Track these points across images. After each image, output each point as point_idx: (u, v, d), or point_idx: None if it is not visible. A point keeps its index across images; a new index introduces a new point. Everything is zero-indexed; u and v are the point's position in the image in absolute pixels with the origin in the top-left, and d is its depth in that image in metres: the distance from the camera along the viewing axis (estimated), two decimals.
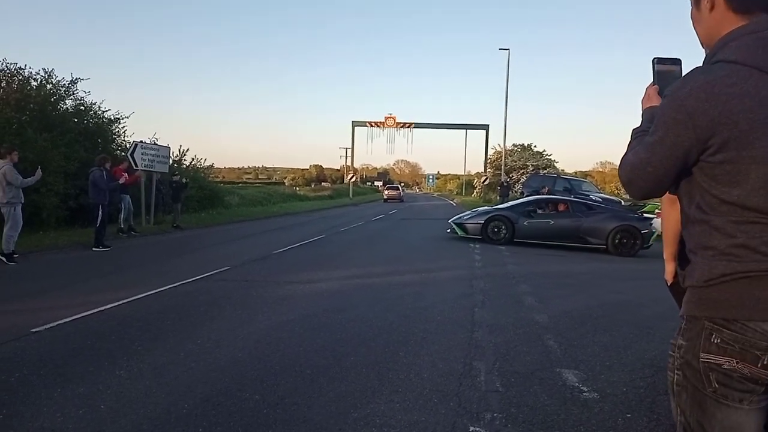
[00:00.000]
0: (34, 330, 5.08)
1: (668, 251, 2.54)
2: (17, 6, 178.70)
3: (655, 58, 1.84)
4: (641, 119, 1.77)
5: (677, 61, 1.83)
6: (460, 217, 15.55)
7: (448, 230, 15.54)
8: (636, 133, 1.71)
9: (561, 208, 15.01)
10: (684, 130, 1.47)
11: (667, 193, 2.31)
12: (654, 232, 13.59)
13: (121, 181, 12.55)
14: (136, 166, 14.94)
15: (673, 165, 1.51)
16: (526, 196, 28.83)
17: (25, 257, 9.50)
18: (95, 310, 5.89)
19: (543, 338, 5.34)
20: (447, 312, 6.35)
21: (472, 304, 6.83)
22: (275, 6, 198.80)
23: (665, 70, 1.83)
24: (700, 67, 1.61)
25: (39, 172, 9.81)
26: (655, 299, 7.83)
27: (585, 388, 4.03)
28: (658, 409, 3.73)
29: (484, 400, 3.73)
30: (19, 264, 9.02)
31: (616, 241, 13.48)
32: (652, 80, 1.85)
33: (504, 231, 14.28)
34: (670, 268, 2.56)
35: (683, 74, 1.81)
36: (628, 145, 1.70)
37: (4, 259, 9.05)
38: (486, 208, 17.63)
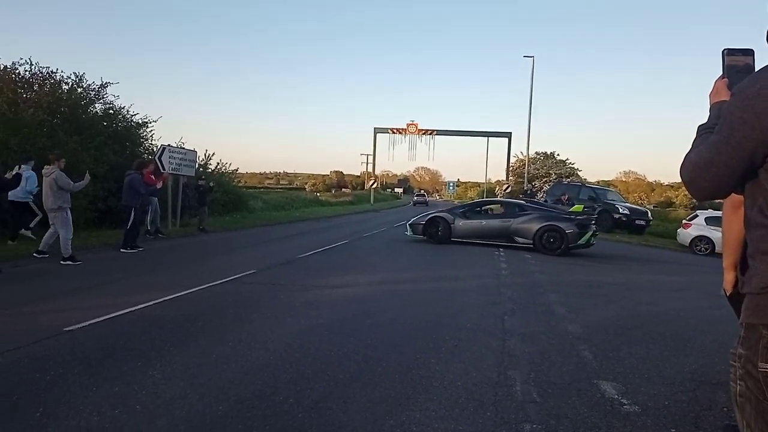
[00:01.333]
0: (66, 329, 5.12)
1: (728, 260, 2.45)
2: (49, 13, 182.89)
3: (725, 49, 1.73)
4: (708, 114, 1.69)
5: (749, 52, 1.72)
6: (414, 219, 16.46)
7: (406, 232, 16.43)
8: (701, 130, 1.64)
9: (496, 210, 16.24)
10: (750, 131, 1.40)
11: (730, 199, 2.23)
12: (589, 232, 14.09)
13: (159, 186, 12.76)
14: (164, 169, 15.09)
15: (738, 166, 1.44)
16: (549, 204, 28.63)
17: (54, 258, 9.62)
18: (126, 311, 5.92)
19: (577, 349, 5.22)
20: (477, 320, 6.26)
21: (502, 312, 6.73)
22: (299, 16, 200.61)
23: (736, 61, 1.72)
24: None
25: (88, 176, 10.11)
26: (688, 311, 7.66)
27: (625, 401, 3.91)
28: (703, 424, 3.61)
29: (521, 410, 3.64)
30: (61, 264, 9.17)
31: (543, 240, 14.18)
32: (721, 73, 1.76)
33: (440, 231, 15.42)
34: (729, 278, 2.47)
35: (755, 67, 1.72)
36: (693, 142, 1.63)
37: (70, 262, 9.27)
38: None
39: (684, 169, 1.56)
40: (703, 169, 1.48)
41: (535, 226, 14.37)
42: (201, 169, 20.50)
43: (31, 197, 11.20)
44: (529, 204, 17.11)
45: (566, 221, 14.38)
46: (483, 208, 16.73)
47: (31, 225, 11.69)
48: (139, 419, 3.25)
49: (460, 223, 15.39)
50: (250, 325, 5.59)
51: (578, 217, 14.56)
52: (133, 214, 11.35)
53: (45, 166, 9.59)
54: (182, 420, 3.25)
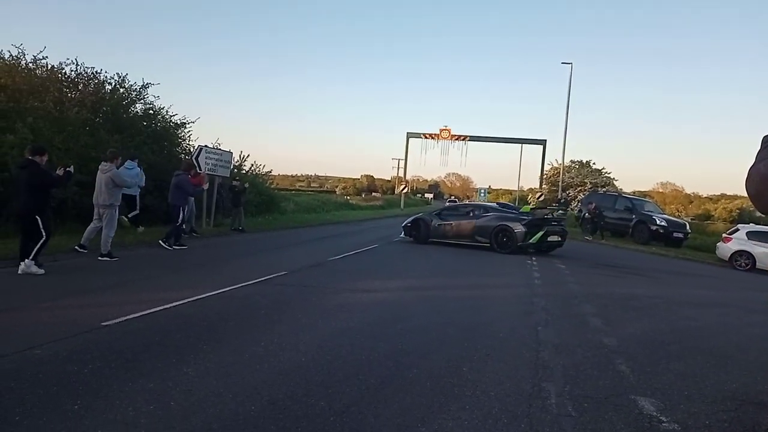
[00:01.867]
0: (104, 323, 5.22)
1: None
2: (98, 13, 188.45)
3: None
4: None
5: None
6: (404, 221, 17.78)
7: (400, 234, 17.72)
8: (767, 142, 1.57)
9: (466, 211, 17.20)
10: None
11: None
12: (540, 232, 14.81)
13: (205, 186, 13.40)
14: (200, 169, 15.34)
15: None
16: (584, 214, 28.17)
17: (93, 253, 9.85)
18: (161, 308, 6.01)
19: (614, 362, 5.10)
20: (509, 329, 6.17)
21: (535, 322, 6.62)
22: (336, 19, 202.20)
23: None
24: None
25: (142, 173, 10.37)
26: (728, 327, 7.43)
27: (664, 418, 3.79)
28: None
29: (556, 423, 3.56)
30: (98, 260, 9.41)
31: (497, 239, 15.14)
32: None
33: (421, 231, 16.64)
34: None
35: None
36: (758, 154, 1.56)
37: (107, 258, 9.49)
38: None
39: (751, 181, 1.49)
40: None
41: (491, 226, 15.38)
42: (236, 170, 20.78)
43: (139, 190, 12.66)
44: (493, 206, 18.50)
45: (516, 221, 15.27)
46: (456, 210, 17.93)
47: (129, 216, 12.81)
48: (173, 416, 3.28)
49: (436, 224, 16.51)
50: (281, 326, 5.61)
51: (530, 218, 15.34)
52: (181, 212, 11.88)
53: (102, 163, 9.72)
54: (215, 418, 3.27)
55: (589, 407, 3.90)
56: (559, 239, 15.68)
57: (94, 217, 9.90)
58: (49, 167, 8.32)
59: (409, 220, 17.46)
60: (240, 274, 8.60)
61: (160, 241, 11.59)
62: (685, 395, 4.34)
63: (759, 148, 1.58)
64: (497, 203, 25.23)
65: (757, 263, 17.10)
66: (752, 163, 1.53)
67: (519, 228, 14.85)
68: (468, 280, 9.90)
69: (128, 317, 5.51)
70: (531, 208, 17.08)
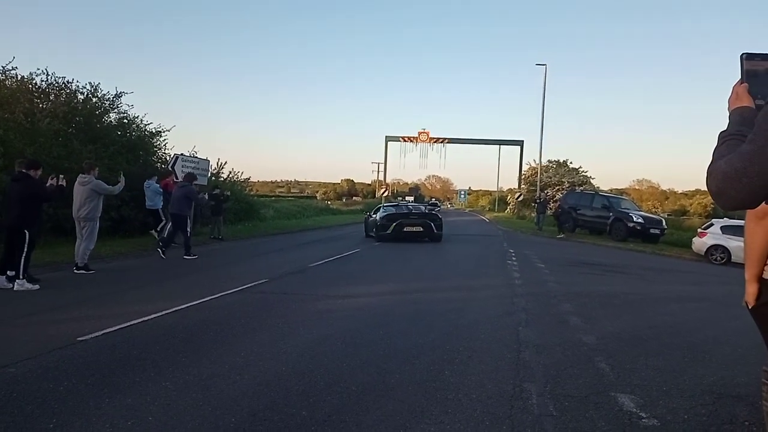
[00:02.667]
0: (80, 339, 5.13)
1: (750, 272, 2.39)
2: (63, 24, 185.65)
3: (743, 53, 1.72)
4: (729, 121, 1.66)
5: None
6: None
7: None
8: (723, 138, 1.60)
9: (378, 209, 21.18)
10: None
11: (754, 210, 2.18)
12: (393, 224, 18.85)
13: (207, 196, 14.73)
14: (177, 178, 15.19)
15: None
16: (561, 212, 28.48)
17: (69, 267, 9.68)
18: (139, 320, 5.93)
19: (593, 360, 5.14)
20: (491, 331, 6.19)
21: (516, 322, 6.65)
22: (309, 20, 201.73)
23: (755, 66, 1.71)
24: None
25: (123, 179, 10.52)
26: (706, 322, 7.54)
27: (644, 414, 3.83)
28: None
29: (538, 424, 3.57)
30: (74, 273, 9.25)
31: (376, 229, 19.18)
32: (740, 78, 1.73)
33: (369, 227, 20.39)
34: (751, 290, 2.41)
35: None
36: (715, 150, 1.59)
37: (83, 271, 9.38)
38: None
39: (712, 179, 1.51)
40: (735, 180, 1.44)
41: (376, 219, 19.59)
42: (213, 177, 20.62)
43: (161, 204, 14.17)
44: (396, 203, 25.07)
45: (379, 214, 20.05)
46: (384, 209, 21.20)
47: (158, 228, 14.26)
48: (152, 431, 3.23)
49: (372, 219, 20.41)
50: (261, 335, 5.57)
51: (392, 212, 20.01)
52: (189, 222, 12.43)
53: (80, 175, 9.58)
54: None
55: (570, 406, 3.92)
56: (421, 229, 19.26)
57: (78, 235, 9.67)
58: (39, 179, 8.23)
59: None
60: (219, 283, 8.52)
61: (185, 257, 11.89)
62: (664, 390, 4.39)
63: (716, 144, 1.61)
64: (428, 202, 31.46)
65: (732, 257, 17.40)
66: (711, 161, 1.55)
67: (381, 221, 19.05)
68: (449, 283, 9.92)
69: (105, 331, 5.43)
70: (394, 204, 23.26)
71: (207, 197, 15.10)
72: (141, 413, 3.47)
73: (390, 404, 3.81)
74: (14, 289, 7.51)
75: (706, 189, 1.54)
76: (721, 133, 1.64)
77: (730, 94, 1.72)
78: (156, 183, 14.32)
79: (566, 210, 25.56)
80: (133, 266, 10.67)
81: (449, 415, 3.65)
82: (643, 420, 3.74)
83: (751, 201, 1.46)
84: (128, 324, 5.75)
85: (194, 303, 6.95)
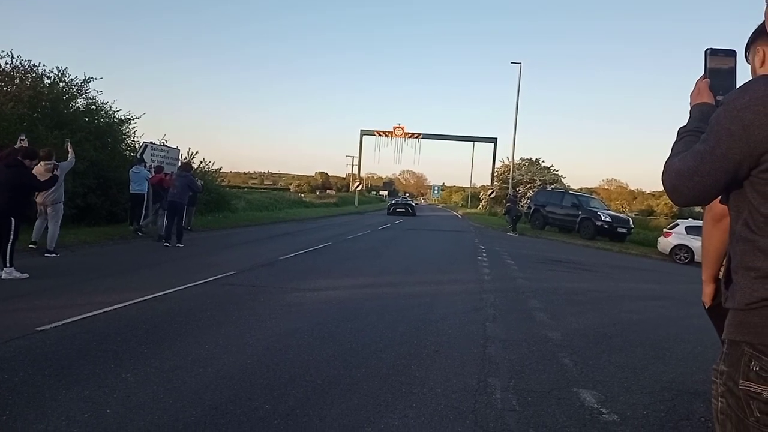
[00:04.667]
0: (39, 329, 4.99)
1: (707, 273, 2.43)
2: (33, 5, 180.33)
3: (707, 49, 1.72)
4: (689, 116, 1.67)
5: (732, 53, 1.70)
6: None
7: None
8: (682, 134, 1.62)
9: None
10: (737, 142, 1.38)
11: (711, 212, 2.21)
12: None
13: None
14: (145, 166, 14.90)
15: (722, 177, 1.42)
16: (533, 210, 28.81)
17: (31, 254, 9.43)
18: (101, 311, 5.79)
19: (558, 356, 5.21)
20: (458, 325, 6.23)
21: (484, 318, 6.71)
22: (284, 12, 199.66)
23: (718, 63, 1.70)
24: (764, 76, 1.52)
25: (71, 152, 10.47)
26: (668, 320, 7.72)
27: (604, 410, 3.90)
28: None
29: (501, 419, 3.60)
30: (36, 259, 9.02)
31: None
32: (703, 73, 1.74)
33: (391, 209, 32.74)
34: (707, 291, 2.45)
35: (737, 69, 1.70)
36: (673, 145, 1.61)
37: (54, 255, 9.73)
38: None
39: (666, 175, 1.53)
40: (687, 178, 1.46)
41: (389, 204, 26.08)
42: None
43: (147, 188, 14.10)
44: (396, 199, 36.09)
45: (390, 203, 30.33)
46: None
47: (140, 223, 14.05)
48: (109, 424, 3.15)
49: (388, 204, 30.37)
50: (227, 328, 5.49)
51: (395, 202, 30.00)
52: (185, 212, 12.99)
53: (42, 162, 9.43)
54: (153, 425, 3.16)
55: (533, 401, 3.96)
56: (405, 210, 38.37)
57: (39, 214, 9.95)
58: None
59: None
60: (186, 274, 8.39)
61: (178, 245, 12.12)
62: (624, 387, 4.48)
63: (675, 139, 1.63)
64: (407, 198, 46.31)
65: (695, 257, 17.84)
66: (668, 156, 1.57)
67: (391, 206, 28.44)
68: (419, 278, 9.95)
69: (65, 321, 5.29)
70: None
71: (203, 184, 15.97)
72: (99, 405, 3.39)
73: (355, 398, 3.80)
74: (2, 277, 7.37)
75: None
76: (680, 128, 1.65)
77: (692, 89, 1.73)
78: (146, 170, 14.37)
79: (512, 209, 26.05)
80: (98, 255, 10.43)
81: (414, 410, 3.66)
82: (604, 415, 3.81)
83: (703, 198, 1.48)
84: (90, 314, 5.61)
85: (159, 294, 6.82)
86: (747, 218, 1.43)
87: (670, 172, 1.52)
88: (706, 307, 2.56)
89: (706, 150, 1.43)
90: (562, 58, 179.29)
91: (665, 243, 19.57)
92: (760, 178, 1.39)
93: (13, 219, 7.63)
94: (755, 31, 1.64)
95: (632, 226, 25.66)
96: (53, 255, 9.66)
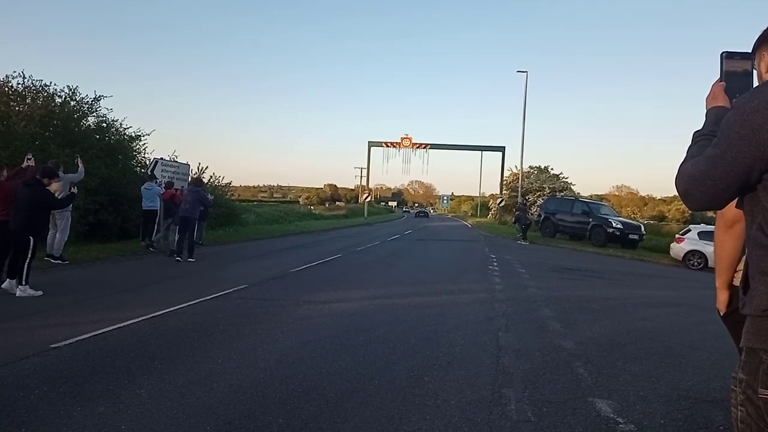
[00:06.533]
0: (53, 345, 5.02)
1: (721, 279, 2.41)
2: (43, 23, 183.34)
3: (723, 52, 1.70)
4: (705, 119, 1.66)
5: (748, 56, 1.68)
6: None
7: None
8: (697, 137, 1.61)
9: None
10: (747, 146, 1.37)
11: (723, 218, 2.19)
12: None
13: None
14: (157, 182, 15.01)
15: (734, 181, 1.41)
16: (543, 218, 28.69)
17: (44, 272, 9.50)
18: (115, 327, 5.82)
19: (572, 365, 5.17)
20: (471, 336, 6.20)
21: (496, 328, 6.67)
22: (293, 25, 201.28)
23: (734, 66, 1.68)
24: None
25: (81, 165, 11.04)
26: (683, 327, 7.63)
27: (621, 420, 3.86)
28: None
29: (516, 430, 3.57)
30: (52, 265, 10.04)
31: None
32: (719, 76, 1.71)
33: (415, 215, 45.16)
34: (722, 298, 2.43)
35: (753, 73, 1.69)
36: (688, 149, 1.60)
37: (60, 261, 10.32)
38: None
39: (679, 180, 1.53)
40: (699, 182, 1.45)
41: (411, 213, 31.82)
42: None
43: (160, 204, 14.21)
44: (417, 210, 42.26)
45: (412, 212, 39.99)
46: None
47: (152, 238, 14.15)
48: None
49: (411, 213, 38.09)
50: (240, 342, 5.50)
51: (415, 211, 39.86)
52: (196, 226, 13.18)
53: None
54: None
55: (548, 412, 3.93)
56: (423, 215, 60.86)
57: (51, 227, 10.26)
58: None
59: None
60: (198, 289, 8.41)
61: (189, 260, 12.24)
62: (641, 396, 4.43)
63: (690, 143, 1.62)
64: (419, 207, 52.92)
65: (709, 262, 17.66)
66: (683, 160, 1.56)
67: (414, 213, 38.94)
68: (430, 288, 9.92)
69: (79, 338, 5.32)
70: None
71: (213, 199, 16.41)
72: (113, 422, 3.39)
73: (368, 411, 3.79)
74: (17, 295, 7.43)
75: None
76: (695, 132, 1.64)
77: (708, 93, 1.72)
78: (158, 186, 14.56)
79: (521, 216, 26.02)
80: (110, 271, 10.50)
81: (427, 422, 3.64)
82: (620, 425, 3.77)
83: (714, 203, 1.48)
84: (103, 330, 5.64)
85: (171, 309, 6.85)
86: (762, 222, 1.42)
87: (683, 176, 1.51)
88: (721, 314, 2.53)
89: (717, 154, 1.43)
90: (569, 67, 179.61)
91: (678, 249, 19.39)
92: None
93: (31, 237, 7.68)
94: (760, 36, 1.64)
95: (644, 232, 25.47)
96: (60, 262, 10.08)
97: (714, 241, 2.42)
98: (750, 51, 1.69)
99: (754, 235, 1.45)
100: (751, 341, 1.43)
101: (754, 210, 1.47)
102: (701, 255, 18.20)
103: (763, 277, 1.41)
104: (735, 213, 1.69)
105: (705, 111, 1.69)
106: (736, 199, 1.52)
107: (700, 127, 1.66)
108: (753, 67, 1.68)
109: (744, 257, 1.66)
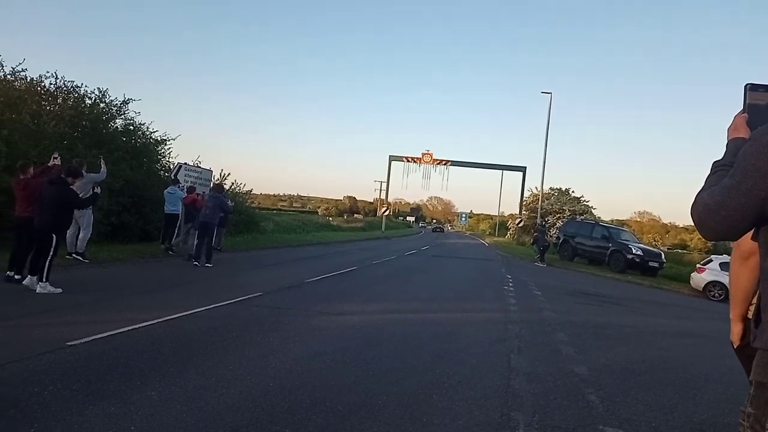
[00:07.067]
0: (69, 343, 5.10)
1: (735, 312, 2.38)
2: (78, 22, 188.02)
3: (747, 84, 1.69)
4: (725, 150, 1.66)
5: None
6: None
7: None
8: (716, 167, 1.61)
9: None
10: (762, 178, 1.37)
11: (738, 250, 2.17)
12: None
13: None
14: (180, 187, 15.22)
15: (750, 212, 1.41)
16: (562, 241, 28.44)
17: (65, 270, 9.66)
18: (130, 328, 5.90)
19: (584, 392, 5.10)
20: (482, 356, 6.16)
21: (508, 349, 6.62)
22: (324, 33, 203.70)
23: (757, 98, 1.67)
24: None
25: (103, 164, 11.30)
26: (700, 358, 7.50)
27: None
28: None
29: None
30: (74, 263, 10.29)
31: None
32: (741, 108, 1.71)
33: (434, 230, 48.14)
34: (736, 330, 2.39)
35: None
36: (706, 179, 1.60)
37: (80, 258, 10.70)
38: None
39: (695, 209, 1.53)
40: (714, 212, 1.45)
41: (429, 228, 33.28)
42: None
43: (182, 209, 14.45)
44: (434, 225, 45.83)
45: (431, 227, 44.19)
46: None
47: (172, 241, 14.38)
48: None
49: (429, 228, 41.61)
50: (251, 349, 5.53)
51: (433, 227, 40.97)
52: (215, 231, 13.43)
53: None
54: None
55: None
56: (440, 230, 75.49)
57: (74, 225, 10.46)
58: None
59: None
60: (214, 294, 8.49)
61: (207, 264, 12.28)
62: (653, 426, 4.36)
63: (708, 173, 1.62)
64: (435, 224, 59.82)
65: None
66: (700, 189, 1.56)
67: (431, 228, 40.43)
68: (444, 306, 9.88)
69: (95, 337, 5.39)
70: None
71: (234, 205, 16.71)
72: (123, 422, 3.44)
73: (375, 426, 3.78)
74: (37, 291, 7.58)
75: None
76: (714, 162, 1.65)
77: (730, 124, 1.72)
78: (181, 191, 14.74)
79: (539, 237, 25.83)
80: (129, 272, 10.65)
81: None
82: None
83: (730, 234, 1.47)
84: (119, 331, 5.72)
85: (187, 313, 6.91)
86: None
87: (698, 206, 1.52)
88: (735, 347, 2.50)
89: (732, 185, 1.43)
90: (595, 88, 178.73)
91: (698, 279, 19.08)
92: None
93: (54, 235, 7.84)
94: None
95: (664, 260, 25.12)
96: (82, 260, 10.43)
97: (729, 273, 2.39)
98: None
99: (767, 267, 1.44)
100: (760, 375, 1.42)
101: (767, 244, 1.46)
102: (722, 286, 17.87)
103: None
104: (751, 245, 1.68)
105: (726, 142, 1.69)
106: (753, 231, 1.51)
107: (719, 158, 1.66)
108: None
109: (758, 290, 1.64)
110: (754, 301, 2.13)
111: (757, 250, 1.58)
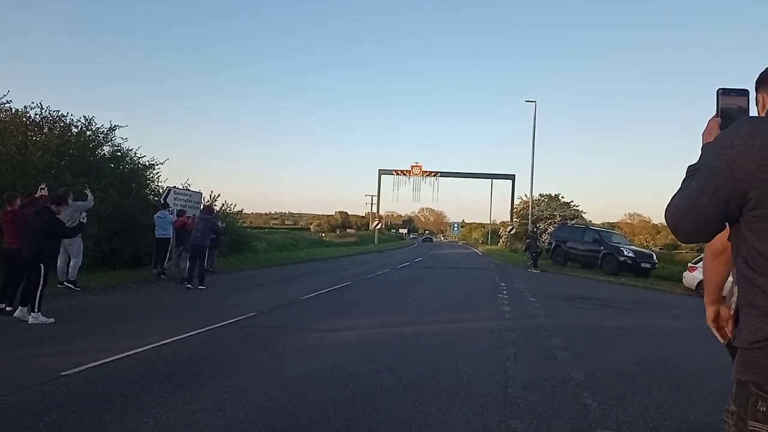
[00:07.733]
0: (63, 373, 5.07)
1: (708, 297, 2.43)
2: (64, 50, 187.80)
3: (720, 88, 1.74)
4: (700, 154, 1.71)
5: (744, 93, 1.72)
6: None
7: None
8: (690, 171, 1.66)
9: None
10: (723, 180, 1.42)
11: (711, 246, 2.23)
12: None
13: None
14: (170, 211, 15.20)
15: (714, 213, 1.46)
16: (554, 246, 28.56)
17: (56, 299, 9.60)
18: (124, 355, 5.87)
19: (580, 396, 5.13)
20: (478, 365, 6.17)
21: (504, 357, 6.63)
22: (307, 52, 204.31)
23: (730, 102, 1.71)
24: (750, 117, 1.57)
25: (90, 195, 11.18)
26: (694, 357, 7.55)
27: None
28: None
29: None
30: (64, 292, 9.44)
31: None
32: (715, 112, 1.75)
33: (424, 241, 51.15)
34: (709, 312, 2.45)
35: (749, 109, 1.73)
36: (682, 183, 1.65)
37: (72, 286, 10.62)
38: None
39: (668, 213, 1.58)
40: (683, 214, 1.51)
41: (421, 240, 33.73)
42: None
43: (173, 233, 14.46)
44: (425, 236, 45.67)
45: (422, 239, 44.77)
46: None
47: (164, 265, 14.36)
48: None
49: (421, 239, 40.66)
50: (247, 370, 5.52)
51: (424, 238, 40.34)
52: (207, 254, 13.38)
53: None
54: None
55: None
56: (430, 241, 75.64)
57: (62, 255, 10.35)
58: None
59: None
60: (208, 316, 8.46)
61: (200, 287, 12.24)
62: (650, 428, 4.38)
63: (684, 176, 1.66)
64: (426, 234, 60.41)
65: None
66: (675, 192, 1.60)
67: (423, 239, 39.79)
68: (439, 317, 9.89)
69: (88, 366, 5.36)
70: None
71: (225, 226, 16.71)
72: None
73: None
74: (29, 322, 7.53)
75: None
76: (689, 166, 1.69)
77: (704, 128, 1.76)
78: (171, 215, 14.77)
79: (533, 244, 25.97)
80: (121, 299, 10.59)
81: None
82: None
83: (701, 235, 1.52)
84: (113, 358, 5.69)
85: (180, 337, 6.89)
86: (746, 256, 1.46)
87: (671, 209, 1.57)
88: (723, 343, 2.55)
89: (698, 187, 1.48)
90: (579, 95, 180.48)
91: (691, 278, 19.18)
92: (751, 216, 1.43)
93: (42, 265, 7.80)
94: (759, 77, 1.68)
95: (656, 261, 25.23)
96: (74, 288, 10.36)
97: (703, 267, 2.45)
98: (745, 88, 1.74)
99: (740, 268, 1.48)
100: (740, 373, 1.45)
101: (738, 244, 1.50)
102: None
103: (749, 310, 1.44)
104: (723, 242, 1.73)
105: (701, 146, 1.74)
106: (725, 230, 1.55)
107: (693, 162, 1.71)
108: (749, 104, 1.73)
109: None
110: (734, 300, 2.18)
111: (728, 247, 1.62)
